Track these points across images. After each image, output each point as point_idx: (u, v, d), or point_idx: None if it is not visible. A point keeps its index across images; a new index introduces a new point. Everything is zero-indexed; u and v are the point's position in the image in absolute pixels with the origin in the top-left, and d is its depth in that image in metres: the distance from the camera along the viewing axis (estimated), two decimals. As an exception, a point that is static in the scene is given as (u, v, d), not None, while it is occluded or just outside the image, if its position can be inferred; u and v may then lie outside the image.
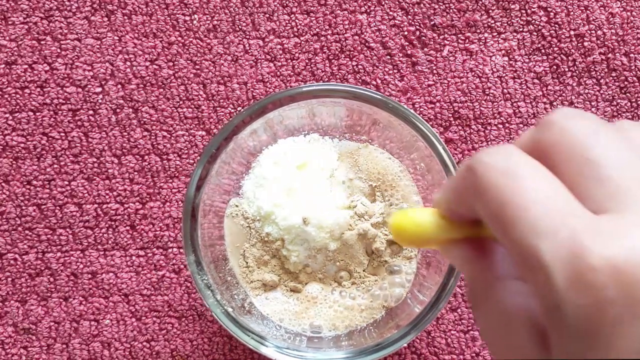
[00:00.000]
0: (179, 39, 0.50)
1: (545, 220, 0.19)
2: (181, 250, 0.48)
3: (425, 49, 0.50)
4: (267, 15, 0.50)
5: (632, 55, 0.49)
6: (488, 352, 0.47)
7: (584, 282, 0.18)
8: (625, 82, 0.49)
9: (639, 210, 0.20)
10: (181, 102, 0.49)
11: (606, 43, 0.49)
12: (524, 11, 0.50)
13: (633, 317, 0.18)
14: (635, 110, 0.49)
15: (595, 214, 0.20)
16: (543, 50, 0.50)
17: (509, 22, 0.50)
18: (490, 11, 0.50)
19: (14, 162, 0.49)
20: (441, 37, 0.50)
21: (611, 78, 0.49)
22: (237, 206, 0.44)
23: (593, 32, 0.50)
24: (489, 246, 0.25)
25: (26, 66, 0.49)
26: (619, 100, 0.50)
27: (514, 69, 0.50)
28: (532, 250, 0.19)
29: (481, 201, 0.21)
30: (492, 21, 0.50)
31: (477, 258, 0.25)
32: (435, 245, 0.26)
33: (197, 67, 0.49)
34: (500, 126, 0.49)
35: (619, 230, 0.19)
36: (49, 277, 0.48)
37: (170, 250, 0.48)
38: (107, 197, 0.49)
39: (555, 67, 0.50)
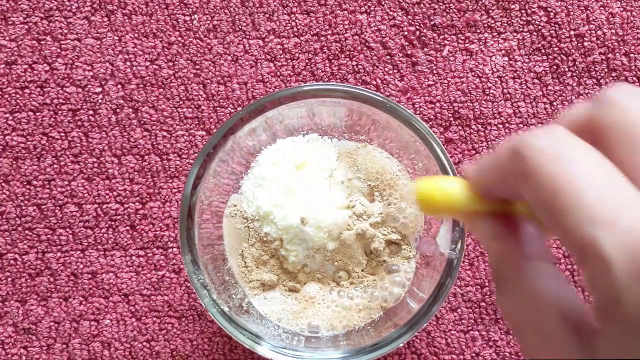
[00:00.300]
0: (179, 39, 0.50)
1: (602, 208, 0.18)
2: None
3: (425, 49, 0.50)
4: (267, 15, 0.50)
5: (632, 55, 0.49)
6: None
7: None
8: (625, 82, 0.49)
9: None
10: (181, 102, 0.49)
11: (606, 43, 0.49)
12: (524, 11, 0.50)
13: None
14: (636, 110, 0.49)
15: None
16: (543, 50, 0.50)
17: (509, 22, 0.50)
18: (490, 11, 0.50)
19: (14, 162, 0.49)
20: (441, 37, 0.50)
21: (611, 78, 0.49)
22: (235, 206, 0.44)
23: (593, 32, 0.50)
24: (518, 224, 0.24)
25: (26, 66, 0.49)
26: (619, 100, 0.49)
27: (514, 69, 0.49)
28: (589, 240, 0.18)
29: (530, 187, 0.20)
30: (492, 21, 0.50)
31: (505, 235, 0.23)
32: (461, 216, 0.25)
33: (197, 67, 0.49)
34: (500, 126, 0.49)
35: None
36: (49, 277, 0.48)
37: (170, 250, 0.48)
38: (107, 197, 0.49)
39: (555, 67, 0.50)
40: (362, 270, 0.44)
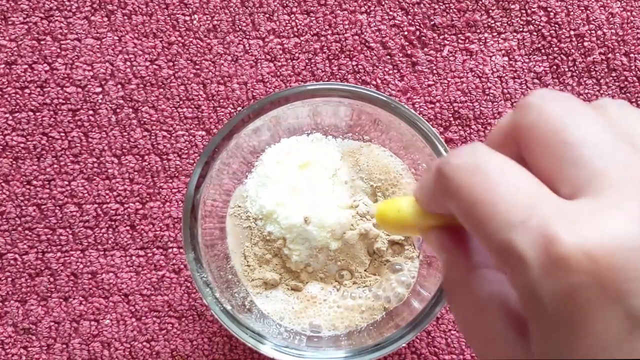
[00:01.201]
0: (179, 39, 0.50)
1: (514, 211, 0.20)
2: (181, 250, 0.48)
3: (425, 49, 0.50)
4: (267, 15, 0.50)
5: (632, 55, 0.49)
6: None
7: (557, 269, 0.18)
8: (625, 82, 0.49)
9: (615, 194, 0.19)
10: (181, 102, 0.49)
11: (606, 43, 0.49)
12: (524, 11, 0.50)
13: (606, 300, 0.18)
14: (635, 110, 0.49)
15: (570, 198, 0.20)
16: (543, 50, 0.50)
17: (509, 22, 0.50)
18: (490, 11, 0.50)
19: (14, 162, 0.49)
20: (441, 37, 0.50)
21: (611, 78, 0.49)
22: (239, 206, 0.44)
23: (593, 32, 0.50)
24: (466, 235, 0.25)
25: (26, 66, 0.49)
26: (619, 100, 0.49)
27: (514, 69, 0.50)
28: (505, 243, 0.19)
29: (453, 202, 0.22)
30: (492, 21, 0.50)
31: (453, 246, 0.25)
32: (416, 231, 0.27)
33: (197, 67, 0.49)
34: (500, 126, 0.49)
35: (591, 215, 0.19)
36: (49, 277, 0.48)
37: (170, 250, 0.48)
38: (107, 197, 0.49)
39: (555, 67, 0.50)
40: (365, 270, 0.44)
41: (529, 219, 0.19)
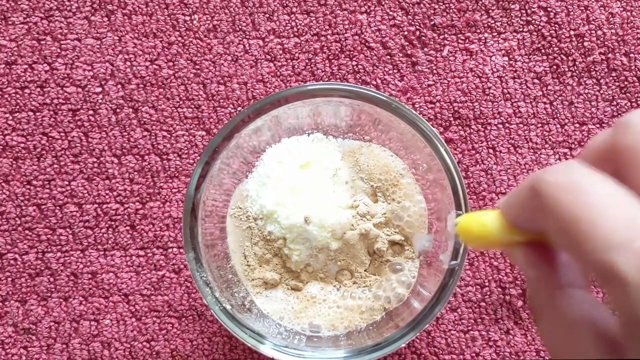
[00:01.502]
0: (179, 39, 0.50)
1: (615, 232, 0.19)
2: (181, 250, 0.48)
3: (425, 49, 0.50)
4: (267, 15, 0.50)
5: (632, 55, 0.49)
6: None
7: None
8: (625, 82, 0.49)
9: None
10: (181, 102, 0.49)
11: (606, 43, 0.49)
12: (524, 11, 0.50)
13: None
14: (635, 110, 0.49)
15: None
16: (543, 50, 0.50)
17: (509, 22, 0.50)
18: (490, 11, 0.50)
19: (14, 162, 0.49)
20: (441, 37, 0.50)
21: (611, 78, 0.49)
22: (240, 207, 0.44)
23: (593, 32, 0.50)
24: (553, 252, 0.25)
25: (26, 66, 0.49)
26: (619, 100, 0.50)
27: (514, 69, 0.50)
28: (606, 264, 0.19)
29: (549, 220, 0.21)
30: (492, 21, 0.50)
31: (540, 263, 0.25)
32: (500, 246, 0.27)
33: (197, 67, 0.49)
34: (500, 126, 0.49)
35: None
36: (49, 277, 0.48)
37: (170, 250, 0.48)
38: (107, 197, 0.49)
39: (555, 67, 0.50)
40: (365, 271, 0.44)
41: (632, 240, 0.19)
